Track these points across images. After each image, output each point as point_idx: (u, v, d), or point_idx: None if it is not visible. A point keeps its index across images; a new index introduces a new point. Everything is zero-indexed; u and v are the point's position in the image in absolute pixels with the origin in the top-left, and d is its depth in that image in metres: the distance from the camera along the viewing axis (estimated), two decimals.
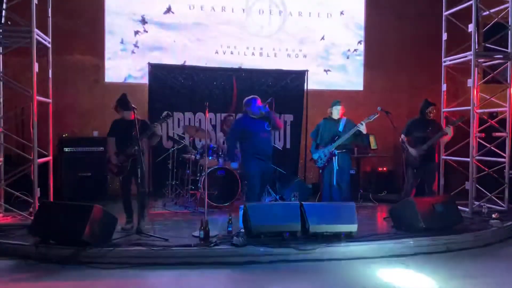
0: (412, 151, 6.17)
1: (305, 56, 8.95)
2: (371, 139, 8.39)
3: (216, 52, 8.60)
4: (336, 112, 6.10)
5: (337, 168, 5.93)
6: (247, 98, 6.09)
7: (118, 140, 5.49)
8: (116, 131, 5.54)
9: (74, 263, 4.39)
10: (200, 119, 8.05)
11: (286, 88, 8.38)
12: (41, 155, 5.87)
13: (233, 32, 8.67)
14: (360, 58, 9.24)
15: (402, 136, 6.31)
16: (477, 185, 6.64)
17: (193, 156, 7.04)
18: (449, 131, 6.19)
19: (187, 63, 8.36)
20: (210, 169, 6.65)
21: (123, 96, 5.57)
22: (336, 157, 5.94)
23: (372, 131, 8.34)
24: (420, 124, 6.30)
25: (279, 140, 8.41)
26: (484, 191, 6.60)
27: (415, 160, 6.17)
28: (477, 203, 6.52)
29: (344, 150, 6.01)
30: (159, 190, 7.75)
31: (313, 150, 6.22)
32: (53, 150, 6.31)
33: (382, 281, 4.18)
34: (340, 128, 6.03)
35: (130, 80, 8.33)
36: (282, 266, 4.53)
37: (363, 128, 5.88)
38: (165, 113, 5.54)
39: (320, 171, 6.23)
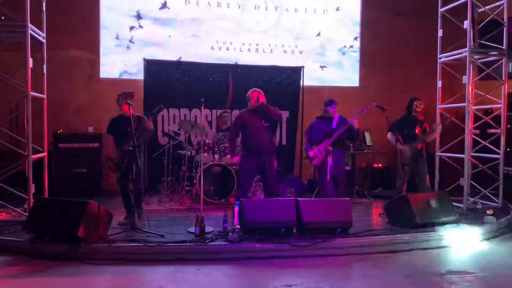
0: (404, 148, 6.18)
1: (301, 52, 8.95)
2: (367, 135, 8.42)
3: (212, 48, 8.58)
4: (331, 111, 6.12)
5: (331, 164, 5.95)
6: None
7: (116, 137, 5.56)
8: (114, 128, 5.60)
9: (69, 259, 4.38)
10: (195, 115, 8.04)
11: (282, 84, 8.38)
12: (35, 151, 5.84)
13: (228, 28, 8.65)
14: (356, 55, 9.24)
15: (389, 135, 6.34)
16: (471, 181, 6.67)
17: (188, 153, 7.03)
18: (439, 128, 6.24)
19: (183, 59, 8.34)
20: (205, 165, 6.64)
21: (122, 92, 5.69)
22: (331, 154, 5.97)
23: (368, 127, 8.39)
24: (407, 122, 6.32)
25: (275, 137, 8.39)
26: (479, 187, 6.63)
27: (406, 157, 6.19)
28: (471, 199, 6.56)
29: (338, 147, 6.04)
30: (154, 186, 7.74)
31: (308, 149, 6.24)
32: (47, 146, 6.28)
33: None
34: (334, 125, 6.06)
35: (125, 76, 8.30)
36: (278, 262, 4.54)
37: (355, 122, 5.90)
38: (157, 107, 5.56)
39: (316, 169, 6.23)
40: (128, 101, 5.36)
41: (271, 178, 5.71)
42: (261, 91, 5.70)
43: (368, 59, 9.17)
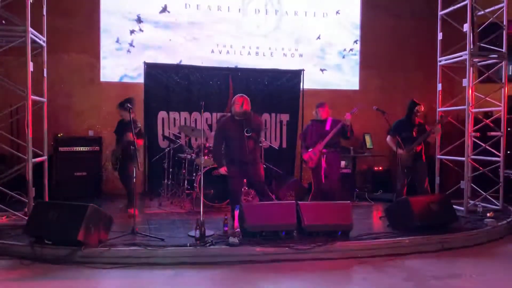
0: (402, 152, 6.20)
1: (301, 55, 8.96)
2: (367, 138, 8.43)
3: (212, 51, 8.59)
4: (320, 112, 6.15)
5: (325, 166, 5.95)
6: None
7: (117, 138, 6.48)
8: (117, 130, 6.55)
9: (70, 263, 4.38)
10: (196, 119, 8.04)
11: (282, 87, 8.39)
12: (36, 155, 5.84)
13: (229, 31, 8.67)
14: (356, 58, 9.25)
15: (388, 137, 6.37)
16: (472, 184, 6.67)
17: (188, 156, 7.03)
18: (437, 129, 6.26)
19: (183, 62, 8.34)
20: (206, 169, 6.64)
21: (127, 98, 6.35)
22: (325, 155, 5.97)
23: (368, 130, 8.39)
24: (406, 124, 6.35)
25: (275, 140, 8.42)
26: (479, 190, 6.63)
27: (406, 160, 6.22)
28: (472, 202, 6.56)
29: (332, 148, 6.05)
30: (154, 189, 7.74)
31: (304, 152, 6.27)
32: (48, 150, 6.29)
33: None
34: (327, 127, 6.09)
35: (125, 80, 8.31)
36: (278, 265, 4.53)
37: (347, 120, 5.91)
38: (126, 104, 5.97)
39: (312, 171, 6.23)
40: (119, 108, 6.14)
41: (260, 184, 5.66)
42: (247, 97, 5.54)
43: (368, 62, 9.18)
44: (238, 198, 5.62)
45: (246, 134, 5.38)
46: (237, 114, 5.49)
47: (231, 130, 5.50)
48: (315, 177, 6.14)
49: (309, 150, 6.11)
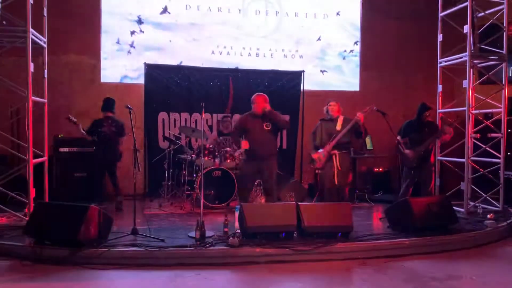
0: (409, 152, 6.20)
1: (301, 56, 8.97)
2: (367, 139, 8.41)
3: (213, 53, 8.60)
4: (329, 109, 5.98)
5: (338, 169, 5.82)
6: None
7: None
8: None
9: (70, 263, 4.38)
10: (196, 120, 8.04)
11: (282, 88, 8.40)
12: (36, 156, 5.84)
13: (229, 33, 8.67)
14: (356, 59, 9.26)
15: (399, 137, 6.36)
16: (472, 186, 6.67)
17: (189, 157, 7.03)
18: (448, 131, 6.28)
19: (184, 64, 8.35)
20: (206, 170, 6.64)
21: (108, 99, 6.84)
22: (337, 157, 5.82)
23: (368, 131, 8.37)
24: (416, 126, 6.36)
25: (277, 139, 8.39)
26: (479, 191, 6.63)
27: (412, 161, 6.21)
28: (472, 203, 6.56)
29: (344, 151, 5.88)
30: (155, 190, 7.74)
31: (313, 152, 6.09)
32: (48, 151, 6.29)
33: None
34: (338, 127, 5.94)
35: (126, 81, 8.32)
36: (278, 266, 4.54)
37: (359, 120, 5.73)
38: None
39: (319, 172, 6.09)
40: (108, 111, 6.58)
41: (271, 181, 5.76)
42: (266, 96, 5.89)
43: (369, 64, 9.19)
44: (247, 197, 5.80)
45: (265, 128, 5.74)
46: (255, 112, 5.80)
47: (251, 126, 5.79)
48: (322, 179, 5.97)
49: (319, 150, 5.95)
